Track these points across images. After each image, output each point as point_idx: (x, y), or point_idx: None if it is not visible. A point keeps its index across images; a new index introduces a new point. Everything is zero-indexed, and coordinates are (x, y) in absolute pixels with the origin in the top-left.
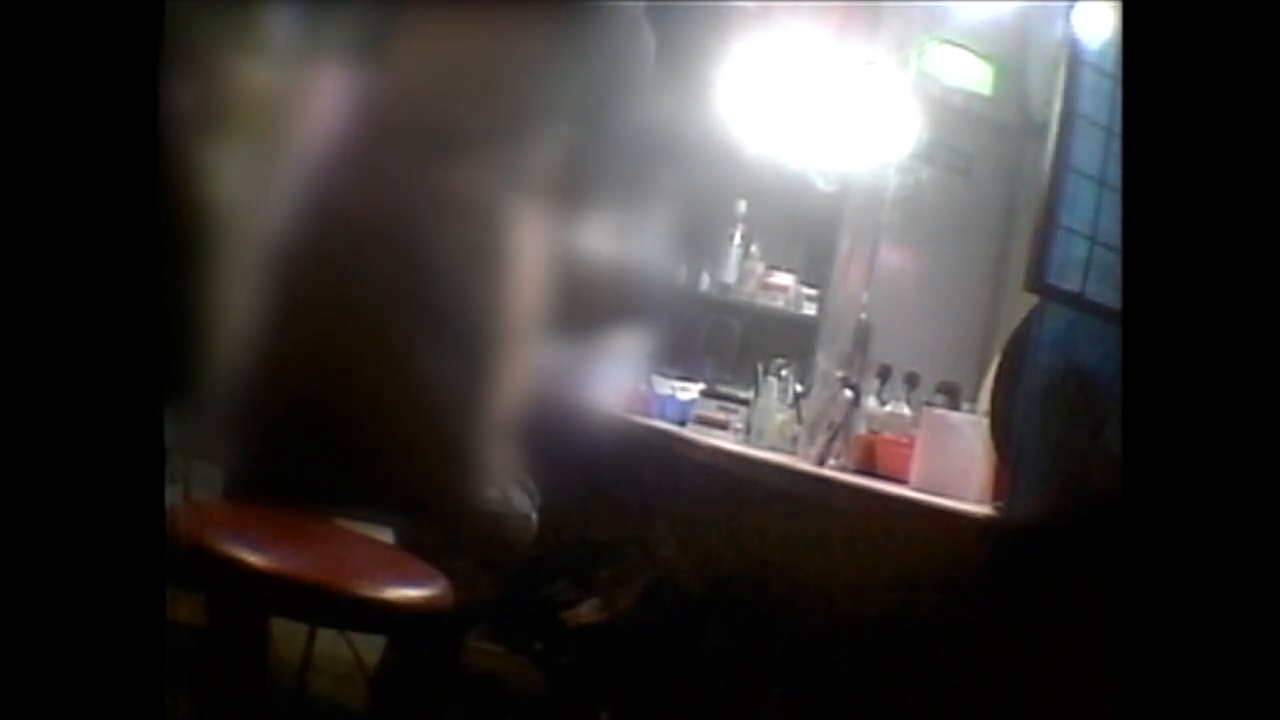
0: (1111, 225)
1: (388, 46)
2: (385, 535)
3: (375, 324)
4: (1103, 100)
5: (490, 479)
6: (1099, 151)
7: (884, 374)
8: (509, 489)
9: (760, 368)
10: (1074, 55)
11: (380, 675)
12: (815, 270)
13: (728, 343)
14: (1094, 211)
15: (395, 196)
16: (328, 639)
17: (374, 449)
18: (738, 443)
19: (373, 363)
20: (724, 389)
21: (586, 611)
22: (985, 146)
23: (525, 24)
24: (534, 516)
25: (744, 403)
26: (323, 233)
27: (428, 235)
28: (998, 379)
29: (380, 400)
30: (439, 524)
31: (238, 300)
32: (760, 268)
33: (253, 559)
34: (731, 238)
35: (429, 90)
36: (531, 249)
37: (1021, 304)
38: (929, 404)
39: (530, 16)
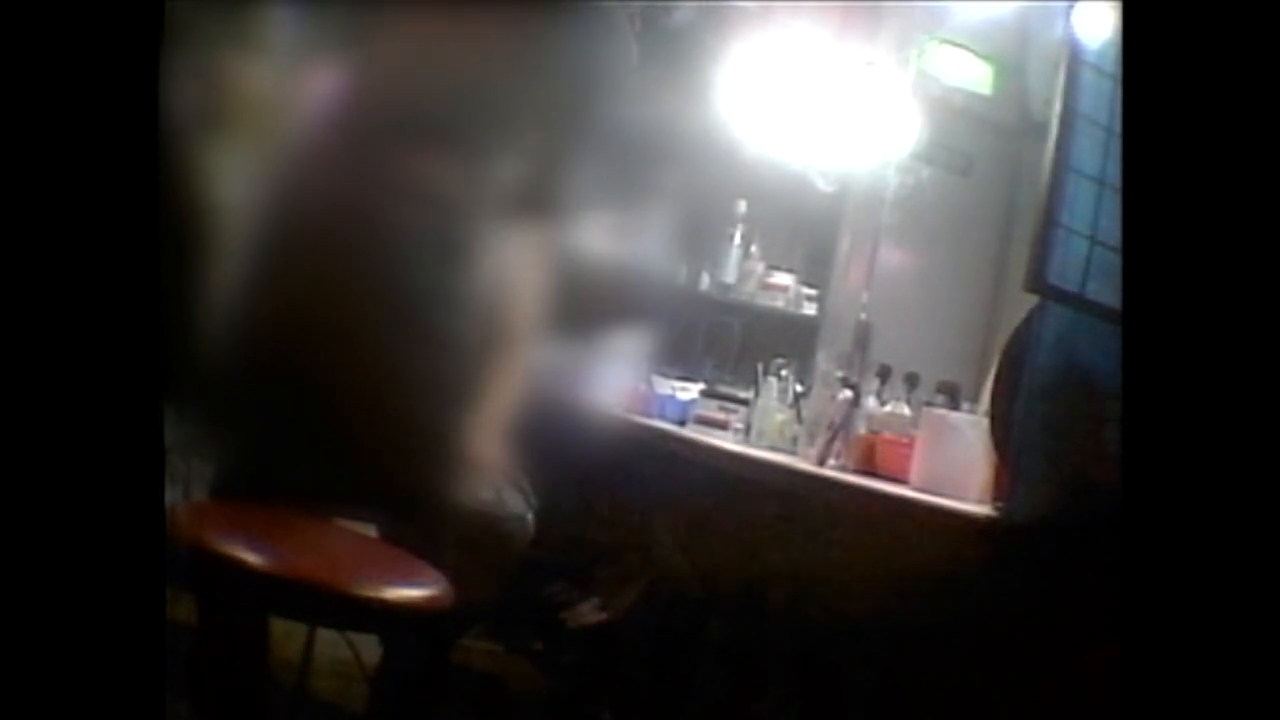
0: (1111, 225)
1: (368, 43)
2: (369, 531)
3: (355, 318)
4: (1103, 100)
5: (479, 477)
6: (1099, 151)
7: (884, 374)
8: (503, 490)
9: (760, 368)
10: (1074, 55)
11: (380, 675)
12: (815, 270)
13: (728, 343)
14: (1094, 211)
15: (377, 193)
16: (328, 639)
17: (354, 443)
18: (738, 443)
19: (353, 356)
20: (724, 389)
21: (586, 611)
22: (985, 146)
23: (505, 22)
24: (529, 518)
25: (744, 403)
26: (309, 231)
27: (410, 231)
28: (997, 379)
29: (361, 393)
30: (422, 520)
31: (229, 297)
32: (760, 268)
33: (252, 559)
34: (731, 238)
35: (408, 86)
36: (516, 245)
37: (1021, 304)
38: (929, 404)
39: (510, 15)
